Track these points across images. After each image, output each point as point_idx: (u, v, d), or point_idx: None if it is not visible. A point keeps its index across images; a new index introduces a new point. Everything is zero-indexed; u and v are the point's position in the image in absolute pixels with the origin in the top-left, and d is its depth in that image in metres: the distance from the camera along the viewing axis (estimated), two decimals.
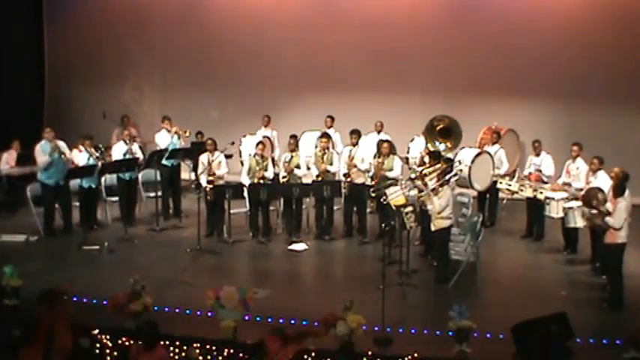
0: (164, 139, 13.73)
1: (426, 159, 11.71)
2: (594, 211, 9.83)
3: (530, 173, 12.47)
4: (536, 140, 12.65)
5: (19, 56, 16.69)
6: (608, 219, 9.52)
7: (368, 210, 12.85)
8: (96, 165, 12.39)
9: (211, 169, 12.38)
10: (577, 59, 14.80)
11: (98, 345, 8.59)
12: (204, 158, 12.54)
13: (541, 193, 11.79)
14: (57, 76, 17.78)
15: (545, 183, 12.13)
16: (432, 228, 10.57)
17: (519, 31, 15.06)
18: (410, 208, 10.44)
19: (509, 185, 12.26)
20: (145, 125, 16.15)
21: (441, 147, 12.85)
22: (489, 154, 12.83)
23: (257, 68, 16.51)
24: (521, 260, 11.86)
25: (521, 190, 12.09)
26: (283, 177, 12.52)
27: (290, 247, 12.13)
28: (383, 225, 10.32)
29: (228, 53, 16.72)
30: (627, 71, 14.58)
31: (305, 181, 12.73)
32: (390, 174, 12.04)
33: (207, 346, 8.37)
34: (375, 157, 12.40)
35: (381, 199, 11.09)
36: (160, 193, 13.46)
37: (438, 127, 12.95)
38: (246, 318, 8.68)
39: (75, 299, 9.70)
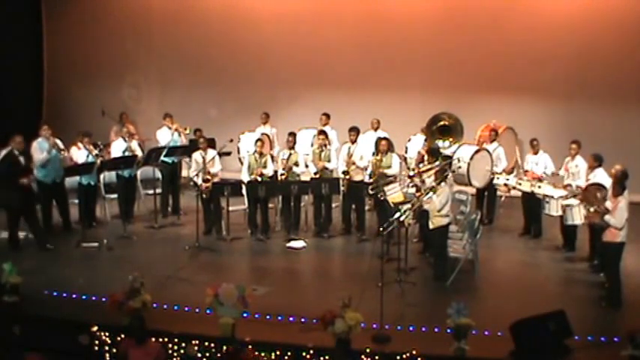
0: (165, 137, 13.74)
1: (426, 156, 11.72)
2: (593, 209, 9.84)
3: (526, 171, 12.49)
4: (534, 139, 12.65)
5: (18, 54, 16.69)
6: (608, 218, 9.51)
7: (366, 207, 12.86)
8: (95, 162, 12.39)
9: (206, 168, 12.37)
10: (576, 58, 14.82)
11: (97, 342, 8.62)
12: (197, 156, 12.55)
13: (539, 187, 11.82)
14: (56, 74, 17.78)
15: (542, 181, 12.13)
16: (430, 226, 10.58)
17: (518, 29, 15.07)
18: (408, 206, 10.44)
19: (507, 179, 12.28)
20: (143, 123, 16.14)
21: (446, 144, 12.84)
22: (488, 151, 12.85)
23: (256, 66, 16.51)
24: (520, 258, 11.87)
25: (519, 184, 12.11)
26: (281, 174, 12.54)
27: (288, 245, 12.14)
28: (382, 228, 10.32)
29: (227, 51, 16.72)
30: (626, 69, 14.58)
31: (303, 178, 12.75)
32: (388, 171, 12.05)
33: (206, 344, 8.39)
34: (373, 154, 12.42)
35: (379, 197, 11.10)
36: (158, 191, 13.50)
37: (440, 124, 12.93)
38: (245, 315, 8.70)
39: (74, 296, 9.74)
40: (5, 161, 11.57)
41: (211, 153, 12.60)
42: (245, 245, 12.30)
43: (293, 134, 13.03)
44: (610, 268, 9.83)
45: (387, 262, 10.33)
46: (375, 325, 8.72)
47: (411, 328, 8.88)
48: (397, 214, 9.79)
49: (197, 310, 9.21)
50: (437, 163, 11.12)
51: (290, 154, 12.59)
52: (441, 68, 15.48)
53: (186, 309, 9.39)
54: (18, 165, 11.56)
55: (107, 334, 8.57)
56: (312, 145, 13.39)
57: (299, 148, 13.24)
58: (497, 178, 12.48)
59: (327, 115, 14.28)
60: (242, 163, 13.25)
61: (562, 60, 14.87)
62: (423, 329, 8.86)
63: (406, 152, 13.59)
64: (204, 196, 12.36)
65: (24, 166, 11.64)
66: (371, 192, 11.70)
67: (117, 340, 8.51)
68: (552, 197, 11.58)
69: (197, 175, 12.43)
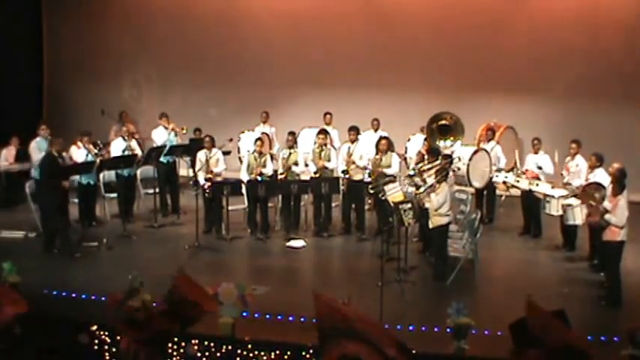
0: (161, 136, 13.74)
1: (426, 155, 11.71)
2: (593, 208, 9.83)
3: (526, 170, 12.48)
4: (536, 138, 12.64)
5: (19, 53, 16.68)
6: (609, 217, 9.50)
7: (366, 207, 12.86)
8: (94, 161, 12.39)
9: (209, 167, 12.38)
10: (576, 57, 14.82)
11: (97, 341, 8.60)
12: (201, 155, 12.55)
13: (537, 185, 11.81)
14: (56, 73, 17.78)
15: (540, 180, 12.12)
16: (430, 225, 10.57)
17: (518, 29, 15.08)
18: (408, 205, 10.44)
19: (506, 177, 12.27)
20: (143, 122, 16.16)
21: (447, 143, 12.82)
22: (486, 151, 12.85)
23: (256, 65, 16.52)
24: (520, 257, 11.87)
25: (518, 182, 12.11)
26: (281, 174, 12.53)
27: (288, 244, 12.14)
28: (382, 225, 10.33)
29: (227, 50, 16.73)
30: (626, 69, 14.59)
31: (303, 177, 12.74)
32: (388, 171, 12.04)
33: (206, 343, 8.38)
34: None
35: (380, 196, 11.09)
36: (157, 190, 13.50)
37: (440, 123, 12.90)
38: (245, 315, 8.69)
39: (74, 295, 9.73)
40: (46, 163, 11.57)
41: (216, 153, 12.57)
42: (245, 244, 12.30)
43: (292, 133, 13.02)
44: (610, 267, 9.83)
45: (386, 261, 10.34)
46: None
47: (410, 328, 8.87)
48: (398, 216, 9.79)
49: None
50: (437, 162, 11.11)
51: (290, 154, 12.59)
52: (441, 68, 15.48)
53: None
54: (58, 166, 11.58)
55: (107, 333, 8.55)
56: (313, 144, 13.38)
57: (302, 147, 13.24)
58: (497, 176, 12.48)
59: (330, 115, 14.31)
60: (242, 162, 13.25)
61: (563, 59, 14.86)
62: (423, 329, 8.85)
63: (406, 152, 13.59)
64: (206, 195, 12.36)
65: (63, 167, 11.66)
66: (371, 191, 11.70)
67: (116, 340, 8.49)
68: (553, 197, 11.57)
69: (196, 173, 12.45)
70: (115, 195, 13.36)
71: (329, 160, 12.54)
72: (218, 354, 8.31)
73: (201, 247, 11.84)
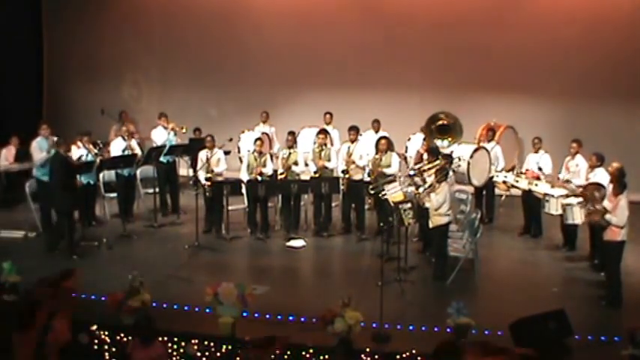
0: (160, 136, 13.74)
1: (425, 155, 11.71)
2: (593, 208, 9.83)
3: (526, 170, 12.47)
4: (537, 137, 12.63)
5: (18, 52, 16.66)
6: (609, 217, 9.48)
7: (366, 206, 12.85)
8: (94, 161, 12.38)
9: (210, 166, 12.39)
10: (576, 56, 14.80)
11: (97, 341, 8.61)
12: (202, 155, 12.55)
13: (536, 185, 11.80)
14: (56, 72, 17.77)
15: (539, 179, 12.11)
16: (430, 225, 10.57)
17: (518, 27, 15.06)
18: (408, 205, 10.43)
19: (506, 177, 12.27)
20: (143, 122, 16.15)
21: (445, 143, 12.83)
22: (486, 149, 12.85)
23: (256, 64, 16.50)
24: (520, 257, 11.86)
25: (517, 182, 12.10)
26: (281, 173, 12.53)
27: (288, 244, 12.13)
28: (381, 224, 10.32)
29: (227, 49, 16.72)
30: (627, 68, 14.57)
31: (303, 177, 12.74)
32: (387, 170, 12.04)
33: (206, 343, 8.38)
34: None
35: (380, 195, 11.10)
36: (157, 190, 13.50)
37: (439, 123, 12.89)
38: (245, 314, 8.69)
39: (74, 295, 9.70)
40: (57, 163, 11.55)
41: (218, 152, 12.58)
42: (245, 244, 12.29)
43: (292, 133, 13.02)
44: (610, 267, 9.82)
45: (386, 261, 10.32)
46: (374, 325, 8.71)
47: (410, 328, 8.87)
48: (398, 216, 9.79)
49: (197, 309, 9.21)
50: (437, 161, 11.09)
51: (289, 153, 12.58)
52: (441, 67, 15.46)
53: (185, 308, 9.39)
54: (69, 165, 11.58)
55: (106, 333, 8.56)
56: (313, 144, 13.38)
57: (302, 147, 13.24)
58: (497, 176, 12.48)
59: (331, 114, 14.29)
60: (242, 162, 13.24)
61: (562, 58, 14.84)
62: (423, 328, 8.85)
63: (406, 151, 13.58)
64: (207, 194, 12.36)
65: (73, 167, 11.69)
66: (371, 192, 11.70)
67: (116, 339, 8.50)
68: (552, 196, 11.56)
69: (197, 172, 12.45)
70: (115, 195, 13.35)
71: (329, 160, 12.54)
72: (218, 354, 8.32)
73: (201, 246, 11.83)
